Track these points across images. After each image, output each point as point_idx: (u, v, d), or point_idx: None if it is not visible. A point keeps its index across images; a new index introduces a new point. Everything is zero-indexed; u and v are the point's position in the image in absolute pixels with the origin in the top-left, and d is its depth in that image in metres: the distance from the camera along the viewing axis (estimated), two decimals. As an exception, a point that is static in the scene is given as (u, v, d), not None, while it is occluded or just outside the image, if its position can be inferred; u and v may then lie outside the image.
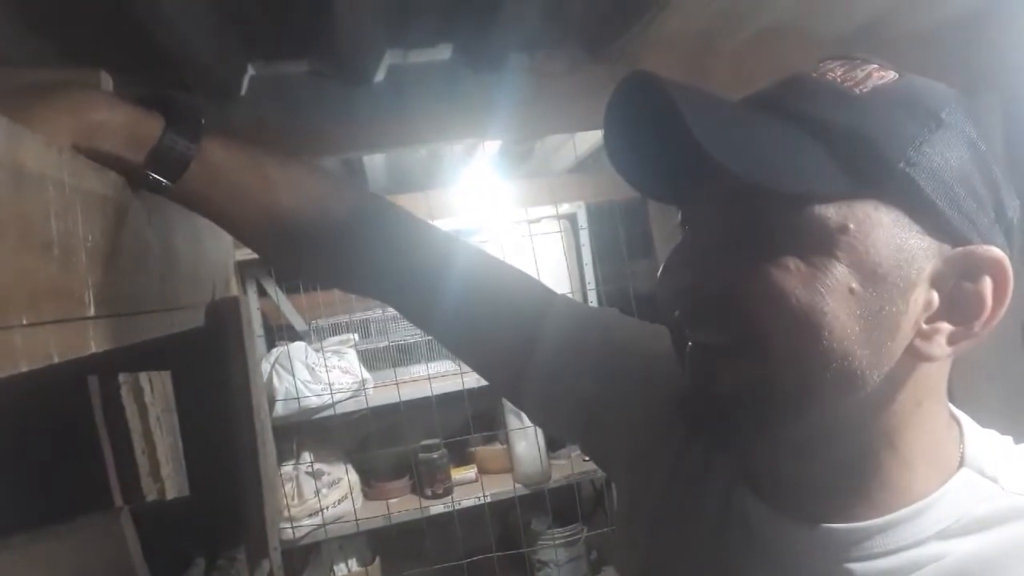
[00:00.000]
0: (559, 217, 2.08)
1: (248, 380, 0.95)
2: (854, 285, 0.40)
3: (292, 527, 1.78)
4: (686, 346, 0.45)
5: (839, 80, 0.43)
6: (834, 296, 0.40)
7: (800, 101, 0.43)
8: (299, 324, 2.28)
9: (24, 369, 0.33)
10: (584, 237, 2.08)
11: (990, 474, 0.44)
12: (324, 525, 1.85)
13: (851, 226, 0.40)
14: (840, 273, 0.40)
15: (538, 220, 2.05)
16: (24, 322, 0.33)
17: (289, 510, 1.81)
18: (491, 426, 2.25)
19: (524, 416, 2.06)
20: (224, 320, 0.87)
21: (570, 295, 1.97)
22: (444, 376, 2.11)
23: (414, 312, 0.66)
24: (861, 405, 0.42)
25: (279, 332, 2.25)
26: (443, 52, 1.17)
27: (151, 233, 0.58)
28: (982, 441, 0.46)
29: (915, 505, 0.43)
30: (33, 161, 0.37)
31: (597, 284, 2.13)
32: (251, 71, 1.11)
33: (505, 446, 2.17)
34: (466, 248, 0.65)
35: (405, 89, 1.17)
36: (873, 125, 0.40)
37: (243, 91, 1.11)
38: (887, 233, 0.40)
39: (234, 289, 1.08)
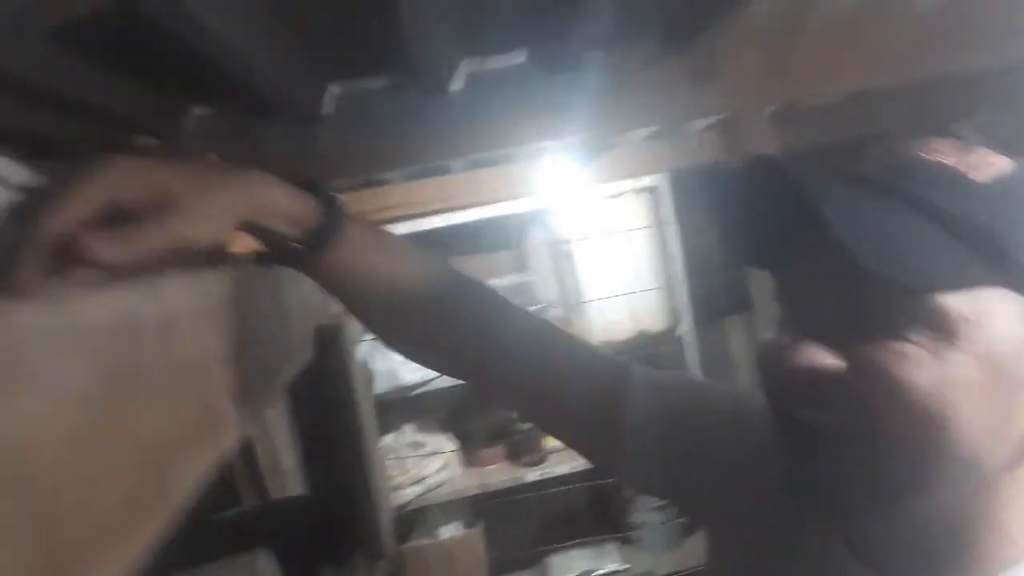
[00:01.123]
0: (639, 191, 2.06)
1: (352, 396, 1.03)
2: (976, 375, 0.40)
3: (397, 495, 1.92)
4: (786, 420, 0.46)
5: (955, 165, 0.43)
6: (955, 386, 0.40)
7: (920, 187, 0.42)
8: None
9: (179, 504, 0.39)
10: (667, 210, 2.05)
11: None
12: (426, 493, 1.97)
13: (975, 317, 0.40)
14: (962, 362, 0.40)
15: (618, 195, 2.04)
16: (178, 458, 0.39)
17: (393, 480, 1.94)
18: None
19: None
20: (327, 344, 0.93)
21: (656, 279, 1.99)
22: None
23: (498, 395, 0.69)
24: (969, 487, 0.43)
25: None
26: (518, 56, 1.18)
27: (267, 302, 0.64)
28: None
29: (1010, 571, 0.45)
30: (172, 302, 0.42)
31: (686, 259, 2.10)
32: (332, 91, 1.16)
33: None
34: (549, 331, 0.67)
35: (482, 96, 1.19)
36: (1000, 220, 0.40)
37: (325, 111, 1.16)
38: (1011, 324, 0.41)
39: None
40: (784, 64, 1.21)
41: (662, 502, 2.16)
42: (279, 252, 0.59)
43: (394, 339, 0.68)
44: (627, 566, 2.09)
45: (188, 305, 0.44)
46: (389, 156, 1.19)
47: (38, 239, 0.41)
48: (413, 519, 2.06)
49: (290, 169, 1.18)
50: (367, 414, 1.08)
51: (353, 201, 2.09)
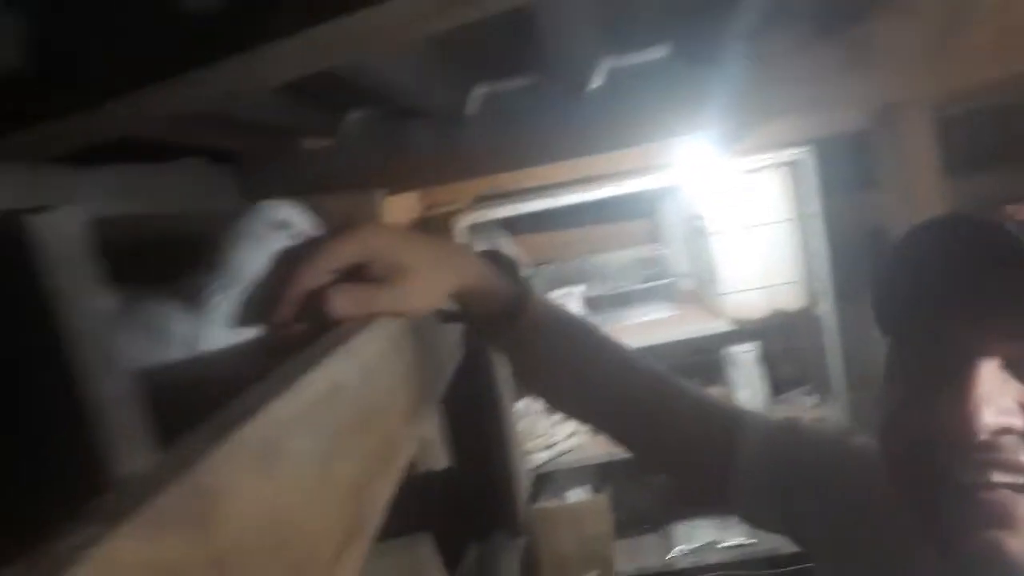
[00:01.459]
0: (779, 165, 1.98)
1: (496, 377, 1.10)
2: None
3: (528, 458, 2.02)
4: (934, 481, 0.46)
5: None
6: None
7: None
8: (524, 268, 2.45)
9: (381, 518, 0.47)
10: (810, 186, 1.96)
11: None
12: (556, 457, 2.07)
13: None
14: None
15: (758, 169, 1.97)
16: (375, 486, 0.47)
17: (524, 444, 2.05)
18: (710, 371, 2.29)
19: (745, 366, 2.09)
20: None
21: (795, 257, 1.93)
22: (664, 320, 2.18)
23: (631, 445, 0.74)
24: None
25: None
26: (660, 51, 1.18)
27: (432, 323, 0.71)
28: None
29: None
30: (366, 356, 0.49)
31: (828, 236, 2.01)
32: (476, 91, 1.21)
33: (726, 389, 2.21)
34: (671, 383, 0.71)
35: (622, 92, 1.19)
36: None
37: (469, 111, 1.22)
38: None
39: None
40: (949, 48, 1.12)
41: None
42: (468, 320, 0.68)
43: (553, 398, 0.77)
44: (753, 540, 2.10)
45: (378, 353, 0.52)
46: (529, 153, 1.23)
47: (301, 283, 0.50)
48: (542, 482, 2.16)
49: (437, 166, 1.27)
50: (504, 383, 1.15)
51: (495, 178, 2.16)
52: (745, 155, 1.99)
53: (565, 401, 0.76)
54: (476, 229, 2.36)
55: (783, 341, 2.26)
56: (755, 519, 0.68)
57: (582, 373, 0.71)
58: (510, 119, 1.24)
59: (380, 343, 0.53)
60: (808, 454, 0.64)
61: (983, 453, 0.44)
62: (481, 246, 2.35)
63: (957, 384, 0.44)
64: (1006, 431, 0.43)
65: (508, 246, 2.50)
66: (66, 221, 0.24)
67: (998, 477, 0.43)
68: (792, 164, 1.97)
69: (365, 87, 0.95)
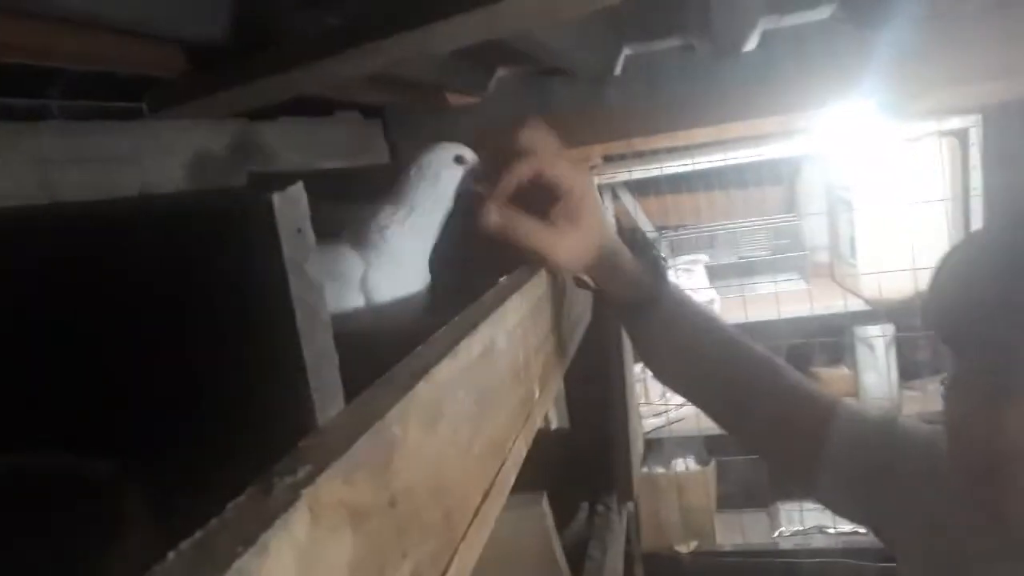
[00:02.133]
0: (943, 134, 1.82)
1: (620, 340, 1.11)
2: None
3: (640, 425, 2.03)
4: (1004, 492, 0.46)
5: None
6: None
7: None
8: (648, 228, 2.42)
9: (514, 476, 0.50)
10: (975, 158, 1.80)
11: None
12: (667, 425, 2.06)
13: None
14: None
15: (918, 138, 1.82)
16: (510, 445, 0.50)
17: (639, 409, 2.06)
18: (835, 350, 2.19)
19: (876, 348, 1.98)
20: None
21: (949, 225, 1.78)
22: (791, 294, 2.10)
23: (731, 427, 0.75)
24: None
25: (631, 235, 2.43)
26: (823, 12, 1.11)
27: (566, 288, 0.73)
28: None
29: None
30: (512, 319, 0.52)
31: (985, 209, 1.85)
32: (626, 51, 1.19)
33: (851, 371, 2.11)
34: (776, 368, 0.71)
35: (776, 55, 1.14)
36: None
37: (618, 71, 1.20)
38: None
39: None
40: None
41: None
42: (601, 298, 0.70)
43: (665, 376, 0.78)
44: (861, 530, 2.02)
45: (520, 315, 0.54)
46: (675, 116, 1.21)
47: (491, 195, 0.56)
48: (650, 449, 2.17)
49: (581, 126, 1.27)
50: (625, 348, 1.16)
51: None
52: (902, 122, 1.84)
53: (672, 378, 0.78)
54: (604, 189, 2.34)
55: (923, 325, 2.11)
56: (838, 508, 0.68)
57: (696, 358, 0.73)
58: (657, 80, 1.21)
59: (525, 308, 0.56)
60: (899, 455, 0.63)
61: None
62: (609, 208, 2.34)
63: (1020, 394, 0.44)
64: None
65: (636, 208, 2.47)
66: (297, 197, 0.27)
67: None
68: (955, 134, 1.81)
69: (516, 48, 0.96)
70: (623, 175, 2.04)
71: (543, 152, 0.57)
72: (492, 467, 0.46)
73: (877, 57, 1.11)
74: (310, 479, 0.24)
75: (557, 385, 0.68)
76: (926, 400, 2.03)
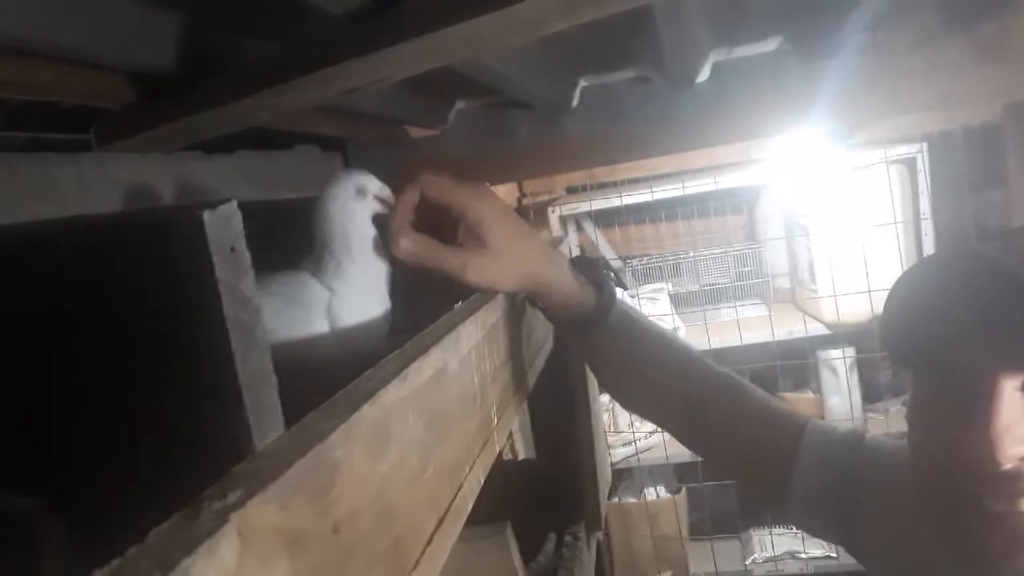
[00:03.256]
0: (892, 162, 1.88)
1: (585, 368, 1.11)
2: None
3: (608, 454, 2.02)
4: (964, 510, 0.47)
5: None
6: None
7: None
8: (615, 262, 2.44)
9: (471, 503, 0.49)
10: (923, 184, 1.86)
11: None
12: (636, 455, 2.06)
13: None
14: None
15: (868, 166, 1.88)
16: (466, 471, 0.49)
17: (606, 437, 2.05)
18: (800, 374, 2.22)
19: (839, 371, 2.01)
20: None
21: (902, 249, 1.83)
22: (754, 320, 2.12)
23: (698, 448, 0.75)
24: None
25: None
26: (770, 44, 1.14)
27: (523, 313, 0.73)
28: None
29: None
30: (465, 343, 0.51)
31: (936, 232, 1.90)
32: (582, 83, 1.21)
33: (816, 395, 2.14)
34: (741, 388, 0.72)
35: (728, 86, 1.17)
36: None
37: (575, 103, 1.22)
38: None
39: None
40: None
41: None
42: (550, 318, 0.70)
43: (624, 398, 0.77)
44: (833, 554, 2.03)
45: (475, 340, 0.53)
46: (633, 146, 1.22)
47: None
48: (621, 478, 2.16)
49: (539, 157, 1.28)
50: (590, 376, 1.16)
51: (590, 169, 2.16)
52: (853, 151, 1.90)
53: (632, 400, 0.77)
54: (568, 220, 2.36)
55: (874, 350, 2.16)
56: (810, 527, 0.68)
57: (652, 377, 0.72)
58: (615, 111, 1.23)
59: (479, 333, 0.55)
60: (868, 470, 0.64)
61: (1008, 482, 0.44)
62: (572, 238, 2.36)
63: (978, 415, 0.45)
64: None
65: (599, 238, 2.49)
66: (230, 215, 0.26)
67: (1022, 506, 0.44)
68: (904, 162, 1.87)
69: (473, 79, 0.97)
70: (586, 206, 2.06)
71: (427, 177, 0.58)
72: (447, 493, 0.45)
73: (823, 88, 1.15)
74: (240, 503, 0.23)
75: (518, 412, 0.67)
76: (888, 422, 2.06)
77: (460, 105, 1.26)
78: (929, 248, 1.89)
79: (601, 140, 1.22)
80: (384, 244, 0.59)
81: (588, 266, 0.70)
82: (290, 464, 0.27)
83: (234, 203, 0.28)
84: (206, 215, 0.26)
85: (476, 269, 0.58)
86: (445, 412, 0.46)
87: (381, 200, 0.59)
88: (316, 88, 0.60)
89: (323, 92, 0.62)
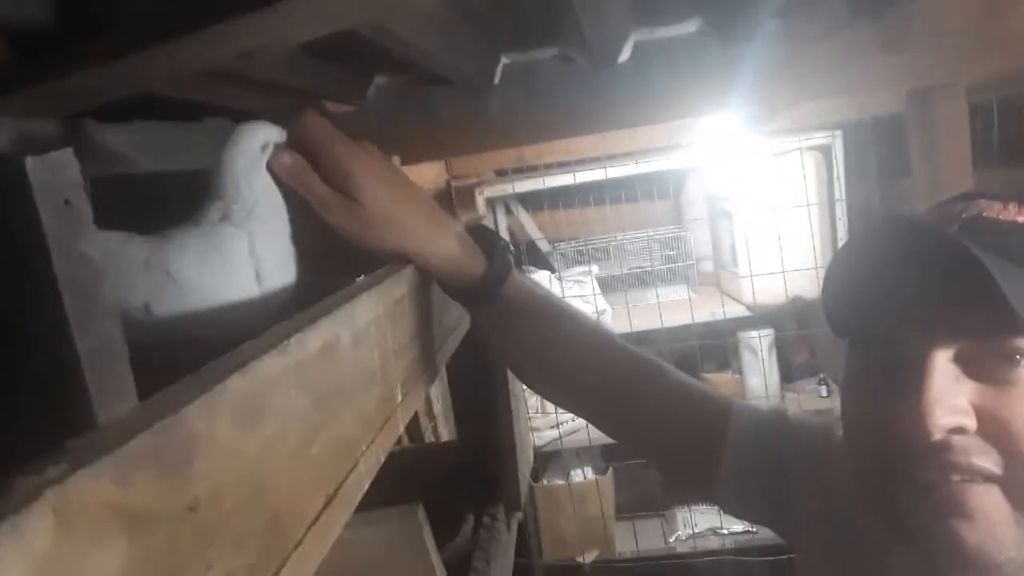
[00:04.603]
0: (809, 149, 1.94)
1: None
2: None
3: (535, 437, 2.03)
4: (894, 479, 0.47)
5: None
6: None
7: (1011, 243, 0.44)
8: (543, 245, 2.44)
9: (368, 482, 0.47)
10: (838, 170, 1.92)
11: None
12: (560, 438, 2.07)
13: None
14: None
15: (786, 152, 1.94)
16: (363, 449, 0.47)
17: (532, 421, 2.06)
18: (722, 356, 2.28)
19: (760, 351, 2.07)
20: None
21: (819, 246, 1.89)
22: (679, 303, 2.16)
23: (615, 431, 0.73)
24: None
25: (527, 249, 2.44)
26: (690, 26, 1.15)
27: (424, 291, 0.71)
28: None
29: None
30: (363, 316, 0.49)
31: (848, 214, 1.98)
32: (504, 61, 1.19)
33: (738, 376, 2.20)
34: (661, 370, 0.70)
35: (650, 67, 1.17)
36: None
37: (497, 80, 1.20)
38: None
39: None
40: (987, 34, 1.09)
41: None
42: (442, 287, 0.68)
43: (526, 379, 0.76)
44: (753, 529, 2.10)
45: (374, 314, 0.52)
46: (555, 125, 1.22)
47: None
48: (548, 461, 2.17)
49: (461, 135, 1.26)
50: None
51: (513, 150, 2.15)
52: (772, 137, 1.95)
53: (540, 384, 0.75)
54: (497, 203, 2.35)
55: (798, 328, 2.23)
56: (738, 509, 0.68)
57: (561, 359, 0.70)
58: (536, 90, 1.22)
59: (381, 307, 0.53)
60: (794, 447, 0.64)
61: (938, 453, 0.44)
62: (502, 221, 2.35)
63: (910, 385, 0.45)
64: (959, 430, 0.44)
65: (527, 221, 2.49)
66: (63, 164, 0.24)
67: (952, 476, 0.44)
68: (820, 148, 1.93)
69: (391, 52, 0.94)
70: (518, 188, 2.06)
71: (310, 120, 0.57)
72: (338, 471, 0.43)
73: (740, 72, 1.17)
74: (59, 478, 0.21)
75: (426, 390, 0.65)
76: (804, 400, 2.14)
77: (379, 80, 1.22)
78: (842, 233, 1.97)
79: (523, 118, 1.21)
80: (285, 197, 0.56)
81: (480, 235, 0.67)
82: (130, 437, 0.24)
83: (70, 151, 0.25)
84: (29, 162, 0.23)
85: (341, 212, 0.56)
86: (337, 387, 0.44)
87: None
88: (208, 47, 0.56)
89: (216, 52, 0.59)
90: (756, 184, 1.99)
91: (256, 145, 0.54)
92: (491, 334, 0.72)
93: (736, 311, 2.07)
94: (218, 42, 0.55)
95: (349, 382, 0.46)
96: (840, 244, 2.02)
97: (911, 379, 0.45)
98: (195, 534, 0.28)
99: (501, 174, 2.24)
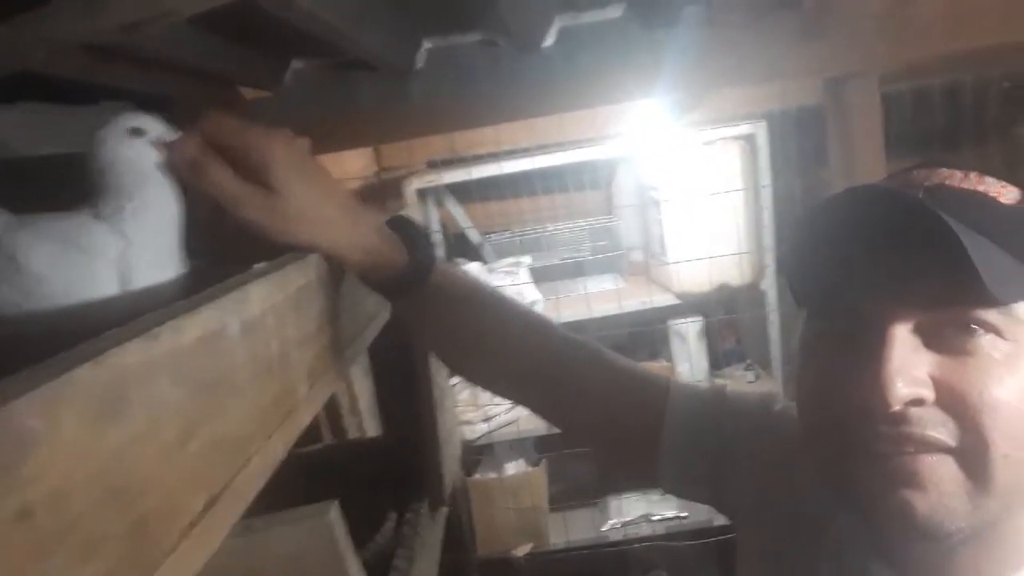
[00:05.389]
0: (730, 139, 1.97)
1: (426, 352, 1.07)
2: None
3: (467, 430, 2.02)
4: (849, 450, 0.47)
5: (984, 191, 0.46)
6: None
7: (971, 212, 0.44)
8: (474, 236, 2.42)
9: (263, 480, 0.44)
10: (764, 158, 1.96)
11: None
12: (490, 432, 2.06)
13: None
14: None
15: (713, 142, 1.97)
16: (257, 446, 0.44)
17: (464, 415, 2.04)
18: (654, 344, 2.31)
19: (688, 338, 2.10)
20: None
21: (744, 232, 1.93)
22: (611, 292, 2.17)
23: (554, 417, 0.72)
24: None
25: (457, 241, 2.41)
26: (615, 11, 1.15)
27: (333, 280, 0.68)
28: None
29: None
30: (257, 304, 0.46)
31: (776, 212, 2.02)
32: (427, 45, 1.16)
33: (668, 363, 2.23)
34: (599, 355, 0.70)
35: (575, 52, 1.16)
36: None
37: (420, 65, 1.17)
38: None
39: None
40: (903, 20, 1.12)
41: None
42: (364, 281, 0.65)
43: (463, 371, 0.75)
44: (684, 514, 2.13)
45: (271, 303, 0.48)
46: (479, 111, 1.19)
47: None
48: (481, 454, 2.15)
49: (383, 122, 1.22)
50: (438, 371, 1.13)
51: (444, 141, 2.11)
52: (700, 126, 1.98)
53: (477, 374, 0.74)
54: (427, 194, 2.31)
55: (726, 315, 2.28)
56: (680, 490, 0.67)
57: (497, 348, 0.69)
58: (460, 76, 1.19)
59: (279, 296, 0.50)
60: (733, 422, 0.64)
61: (895, 424, 0.44)
62: (433, 213, 2.31)
63: (871, 356, 0.44)
64: (917, 402, 0.44)
65: (458, 213, 2.46)
66: None
67: (907, 448, 0.44)
68: (746, 137, 1.97)
69: (307, 34, 0.90)
70: (448, 179, 2.02)
71: (212, 117, 0.54)
72: (224, 469, 0.40)
73: (665, 58, 1.17)
74: None
75: (337, 383, 0.62)
76: (733, 386, 2.18)
77: (297, 65, 1.18)
78: (767, 222, 2.01)
79: (447, 104, 1.18)
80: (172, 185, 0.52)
81: (402, 227, 0.65)
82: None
83: None
84: None
85: (253, 206, 0.53)
86: (223, 379, 0.41)
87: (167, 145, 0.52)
88: (84, 18, 0.52)
89: (96, 23, 0.54)
90: (684, 173, 2.01)
91: (120, 136, 0.49)
92: (418, 324, 0.71)
93: (665, 300, 2.09)
94: (94, 12, 0.51)
95: (239, 374, 0.43)
96: (765, 232, 2.09)
97: (872, 349, 0.45)
98: (29, 543, 0.25)
99: (433, 165, 2.20)
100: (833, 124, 1.29)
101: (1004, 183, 0.47)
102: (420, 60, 1.17)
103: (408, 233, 0.65)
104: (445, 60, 1.18)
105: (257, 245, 0.56)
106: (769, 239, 2.00)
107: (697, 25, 1.16)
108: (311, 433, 1.10)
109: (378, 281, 0.64)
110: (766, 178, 1.98)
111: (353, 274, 0.64)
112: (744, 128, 1.96)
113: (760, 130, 1.95)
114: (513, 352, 0.70)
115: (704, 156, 1.99)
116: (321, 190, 0.59)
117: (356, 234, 0.61)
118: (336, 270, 0.64)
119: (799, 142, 1.98)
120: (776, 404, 0.65)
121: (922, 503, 0.44)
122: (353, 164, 2.04)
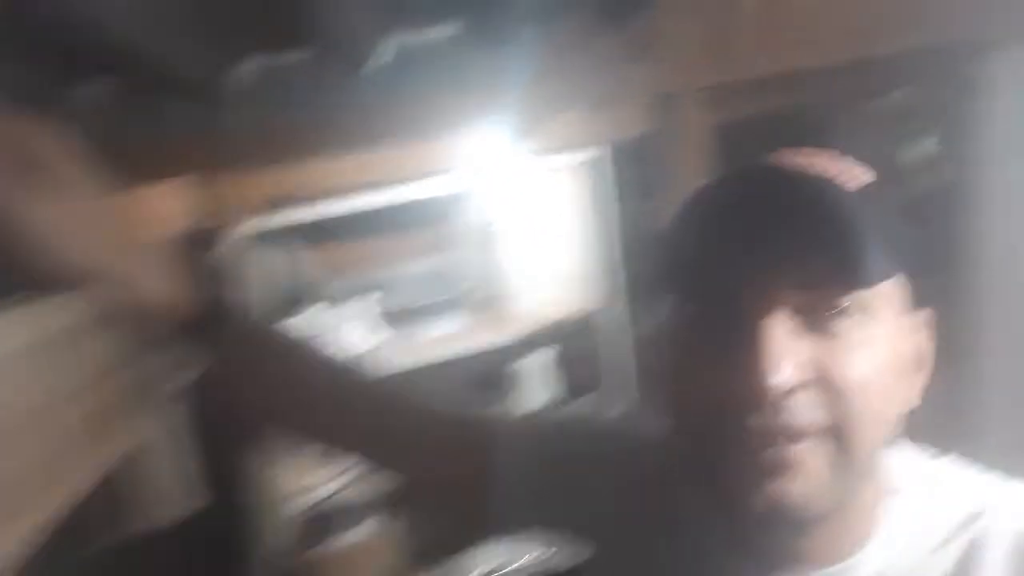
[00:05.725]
0: (579, 165, 1.98)
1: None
2: (891, 362, 0.46)
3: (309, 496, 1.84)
4: (722, 443, 0.45)
5: (828, 173, 0.46)
6: (885, 373, 0.45)
7: (822, 197, 0.44)
8: (316, 279, 2.27)
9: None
10: (607, 187, 1.98)
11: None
12: (329, 497, 1.90)
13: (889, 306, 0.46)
14: (886, 351, 0.45)
15: (554, 170, 1.97)
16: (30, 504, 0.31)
17: (305, 480, 1.86)
18: (501, 384, 2.25)
19: (532, 376, 2.07)
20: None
21: (590, 261, 1.95)
22: (453, 336, 2.11)
23: (385, 471, 0.70)
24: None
25: (297, 285, 2.25)
26: (452, 29, 1.10)
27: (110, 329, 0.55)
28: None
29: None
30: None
31: (622, 239, 2.05)
32: (245, 65, 1.05)
33: (521, 396, 2.18)
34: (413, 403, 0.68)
35: (407, 72, 1.10)
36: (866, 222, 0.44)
37: (236, 88, 1.05)
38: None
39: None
40: (722, 41, 1.17)
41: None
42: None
43: (276, 424, 0.71)
44: (553, 549, 2.07)
45: (12, 346, 0.36)
46: (305, 137, 1.09)
47: None
48: (328, 518, 1.98)
49: (194, 151, 1.08)
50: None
51: (264, 178, 1.96)
52: (539, 155, 1.97)
53: (292, 428, 0.71)
54: (268, 238, 2.13)
55: (575, 346, 2.28)
56: (521, 528, 0.65)
57: (310, 397, 0.65)
58: (286, 99, 1.09)
59: (21, 340, 0.37)
60: (573, 447, 0.63)
61: (772, 415, 0.43)
62: (275, 258, 2.14)
63: (747, 343, 0.43)
64: (798, 388, 0.43)
65: (299, 256, 2.30)
66: None
67: (780, 440, 0.43)
68: (587, 165, 1.99)
69: (101, 48, 0.77)
70: (283, 221, 1.88)
71: None
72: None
73: (500, 81, 1.13)
74: None
75: (131, 443, 0.50)
76: (588, 410, 2.17)
77: (87, 86, 1.01)
78: (614, 249, 2.03)
79: (269, 133, 1.07)
80: None
81: (204, 271, 0.59)
82: None
83: None
84: None
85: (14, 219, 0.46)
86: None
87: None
88: None
89: None
90: (523, 205, 2.00)
91: None
92: (234, 383, 0.63)
93: (512, 336, 2.06)
94: None
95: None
96: (610, 261, 2.11)
97: (749, 336, 0.43)
98: None
99: (278, 206, 2.05)
100: (660, 154, 1.31)
101: (856, 167, 0.48)
102: (239, 82, 1.05)
103: (209, 278, 0.60)
104: (268, 82, 1.07)
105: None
106: (615, 269, 2.03)
107: (533, 46, 1.14)
108: (116, 519, 0.91)
109: (172, 330, 0.55)
110: (609, 207, 2.00)
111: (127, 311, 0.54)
112: (584, 156, 1.98)
113: (602, 158, 1.98)
114: (336, 407, 0.66)
115: (543, 186, 1.99)
116: (97, 210, 0.53)
117: (125, 270, 0.52)
118: (108, 315, 0.51)
119: (640, 168, 2.02)
120: (618, 422, 0.65)
121: (795, 490, 0.43)
122: (162, 206, 1.82)
